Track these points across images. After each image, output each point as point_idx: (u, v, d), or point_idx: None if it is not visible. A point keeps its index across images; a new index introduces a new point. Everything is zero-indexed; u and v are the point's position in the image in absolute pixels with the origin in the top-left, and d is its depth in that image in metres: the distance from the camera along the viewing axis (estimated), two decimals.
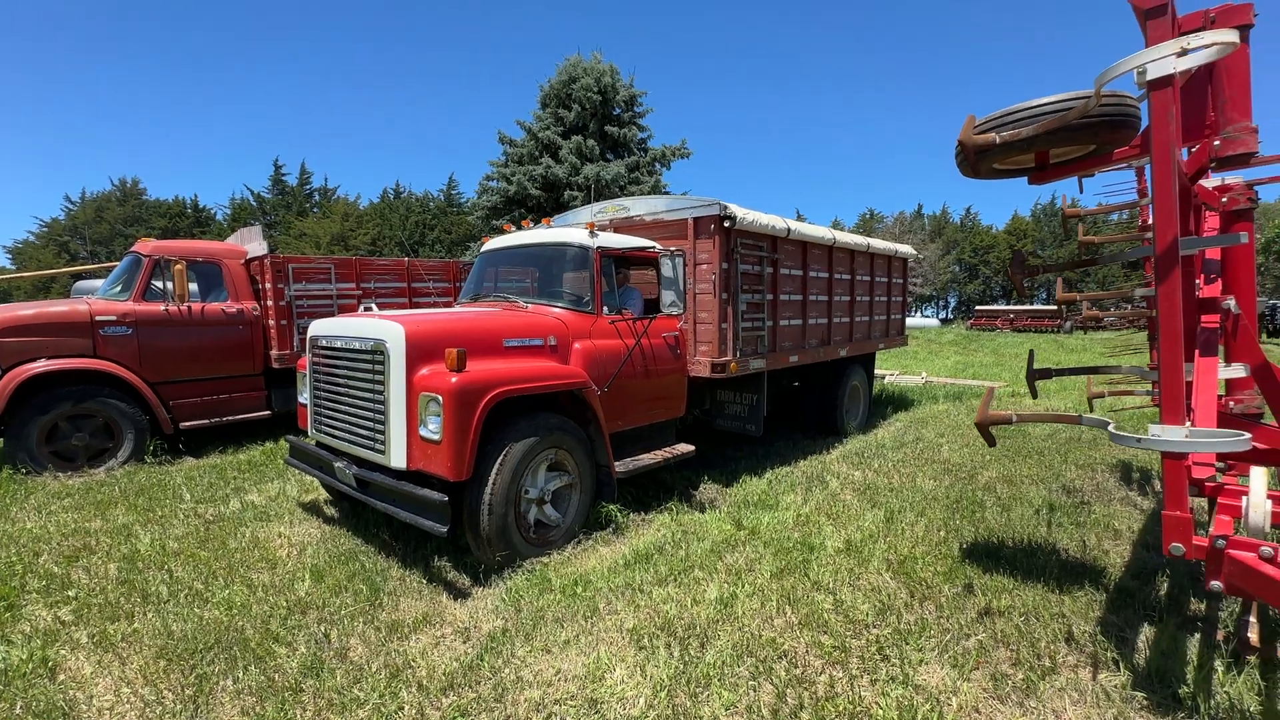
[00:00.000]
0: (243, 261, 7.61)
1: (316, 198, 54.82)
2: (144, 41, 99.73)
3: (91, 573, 3.93)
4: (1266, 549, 2.39)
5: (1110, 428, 2.69)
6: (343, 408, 4.29)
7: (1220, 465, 3.78)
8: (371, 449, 4.01)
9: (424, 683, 2.79)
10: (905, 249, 9.16)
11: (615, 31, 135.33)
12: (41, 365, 5.98)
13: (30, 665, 2.92)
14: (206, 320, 7.09)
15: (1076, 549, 4.22)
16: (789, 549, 4.18)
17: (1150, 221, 3.52)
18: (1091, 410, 5.56)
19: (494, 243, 5.71)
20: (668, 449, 5.21)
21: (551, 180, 20.99)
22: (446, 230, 48.84)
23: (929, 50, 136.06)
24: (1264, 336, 27.45)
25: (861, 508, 5.05)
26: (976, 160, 3.11)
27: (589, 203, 6.51)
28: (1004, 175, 3.45)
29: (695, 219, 5.48)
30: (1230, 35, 2.24)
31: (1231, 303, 3.41)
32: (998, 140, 2.92)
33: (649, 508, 5.11)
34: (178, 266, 6.75)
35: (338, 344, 4.30)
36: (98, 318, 6.38)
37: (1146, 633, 3.15)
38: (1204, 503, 4.36)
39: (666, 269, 4.75)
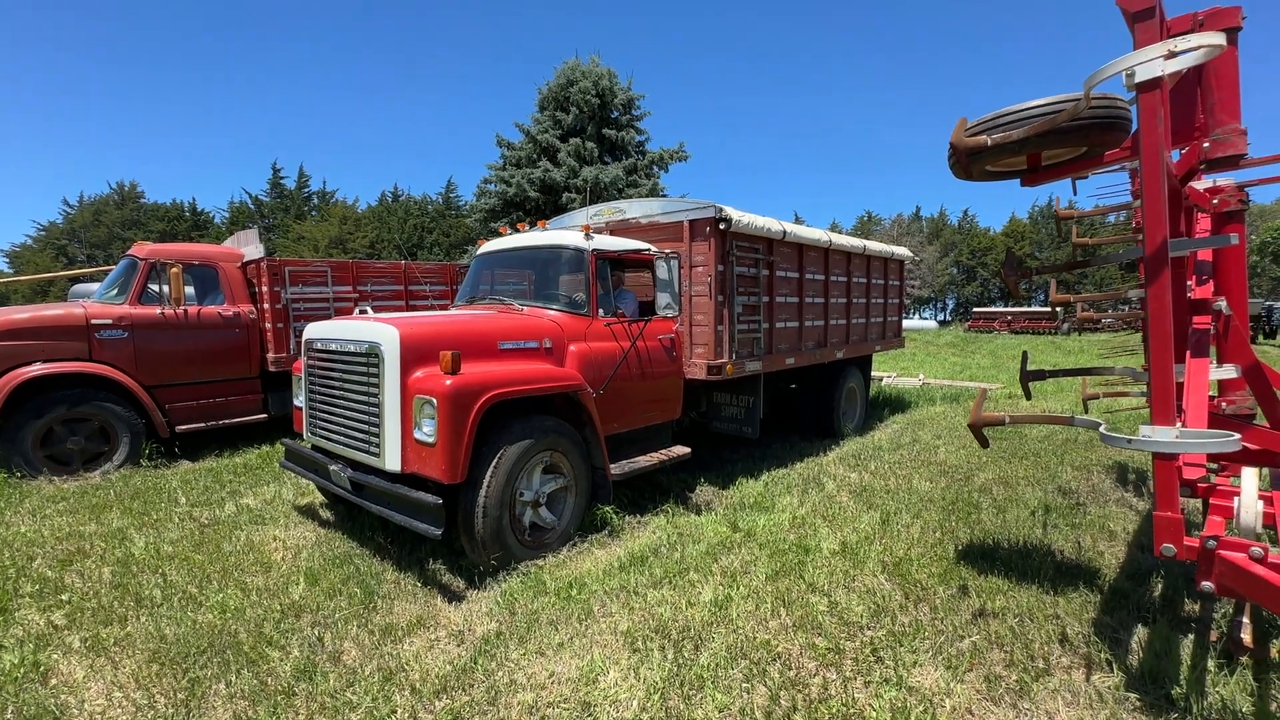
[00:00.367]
0: (239, 265, 7.61)
1: (315, 201, 54.85)
2: (142, 45, 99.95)
3: (85, 577, 3.92)
4: (1257, 549, 2.39)
5: (1101, 429, 2.70)
6: (338, 411, 4.29)
7: (1213, 466, 3.79)
8: (366, 452, 4.01)
9: (417, 686, 2.79)
10: (902, 251, 9.18)
11: (613, 35, 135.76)
12: (37, 369, 5.97)
13: (22, 670, 2.91)
14: (203, 323, 7.08)
15: (1071, 550, 4.23)
16: (784, 551, 4.18)
17: (1143, 223, 3.53)
18: (1087, 412, 5.57)
19: (490, 245, 5.72)
20: (664, 451, 5.21)
21: (550, 183, 21.01)
22: (445, 233, 48.88)
23: (926, 54, 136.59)
24: (1259, 338, 27.52)
25: (857, 510, 5.06)
26: (968, 162, 3.13)
27: (587, 205, 6.51)
28: (996, 177, 3.47)
29: (691, 221, 5.49)
30: (1218, 38, 2.25)
31: (1223, 304, 3.43)
32: (989, 143, 2.93)
33: (645, 510, 5.11)
34: (174, 270, 6.75)
35: (333, 347, 4.30)
36: (93, 321, 6.37)
37: (1140, 634, 3.15)
38: (1200, 504, 4.36)
39: (662, 271, 4.76)
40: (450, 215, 51.84)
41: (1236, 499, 2.88)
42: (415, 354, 3.86)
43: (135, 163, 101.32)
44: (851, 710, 2.63)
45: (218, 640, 3.14)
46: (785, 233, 6.21)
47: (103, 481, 5.97)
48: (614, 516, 4.64)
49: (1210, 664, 2.84)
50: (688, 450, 5.34)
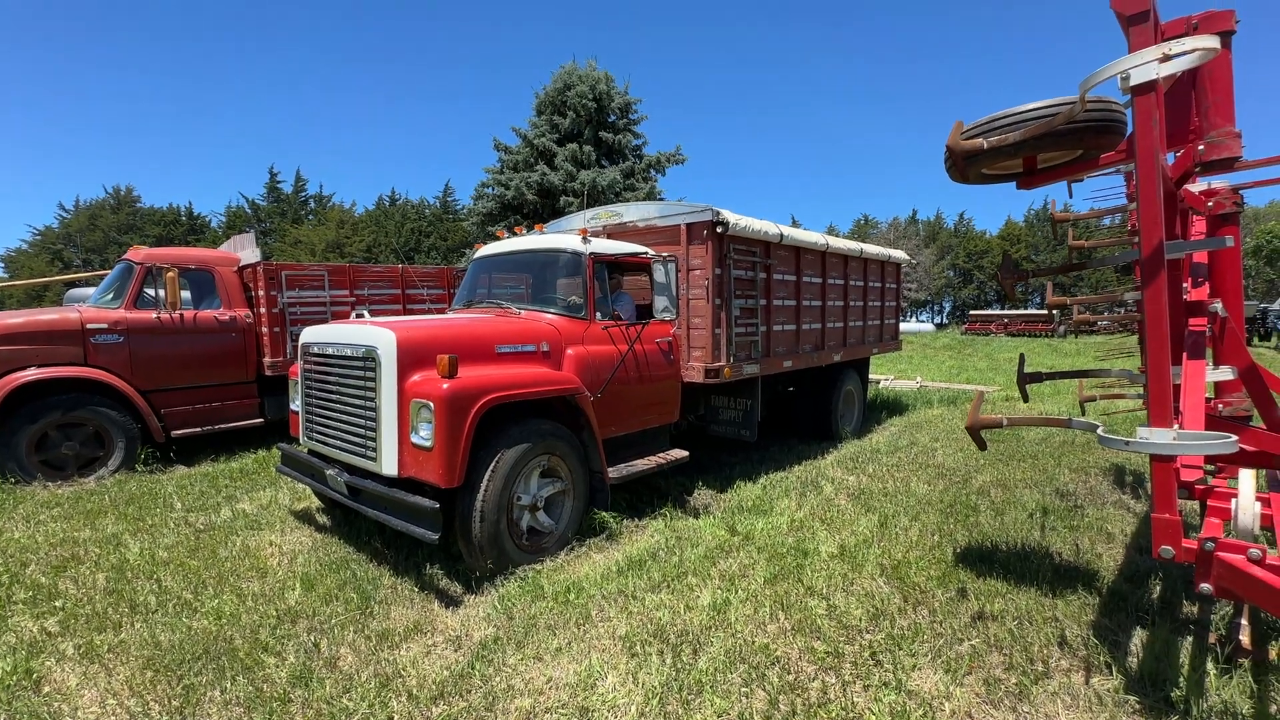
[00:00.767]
0: (236, 269, 7.59)
1: (311, 205, 54.78)
2: (140, 49, 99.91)
3: (79, 583, 3.89)
4: (1255, 551, 2.39)
5: (1099, 431, 2.70)
6: (334, 415, 4.27)
7: (1210, 468, 3.80)
8: (363, 456, 3.99)
9: (414, 692, 2.77)
10: (899, 254, 9.20)
11: (610, 39, 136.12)
12: (31, 374, 5.94)
13: (14, 677, 2.88)
14: (199, 328, 7.06)
15: (1070, 552, 4.22)
16: (783, 554, 4.17)
17: (1138, 225, 3.55)
18: (1084, 414, 5.58)
19: (487, 249, 5.72)
20: (662, 455, 5.20)
21: (547, 186, 21.05)
22: (442, 237, 48.86)
23: (923, 57, 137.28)
24: (1254, 340, 27.62)
25: (856, 513, 5.05)
26: (965, 165, 3.13)
27: (584, 208, 6.52)
28: (992, 180, 3.47)
29: (688, 225, 5.49)
30: (1212, 41, 2.26)
31: (1219, 306, 3.44)
32: (985, 145, 2.94)
33: (643, 514, 5.10)
34: (170, 274, 6.73)
35: (329, 351, 4.28)
36: (89, 326, 6.35)
37: (1139, 636, 3.15)
38: (1197, 506, 4.37)
39: (659, 275, 4.75)
40: (447, 219, 51.84)
41: (1234, 501, 2.88)
42: (412, 358, 3.85)
43: (131, 167, 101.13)
44: (851, 714, 2.62)
45: (213, 646, 3.12)
46: (782, 236, 6.22)
47: (97, 487, 5.94)
48: (612, 520, 4.63)
49: (1210, 666, 2.83)
50: (686, 453, 5.33)
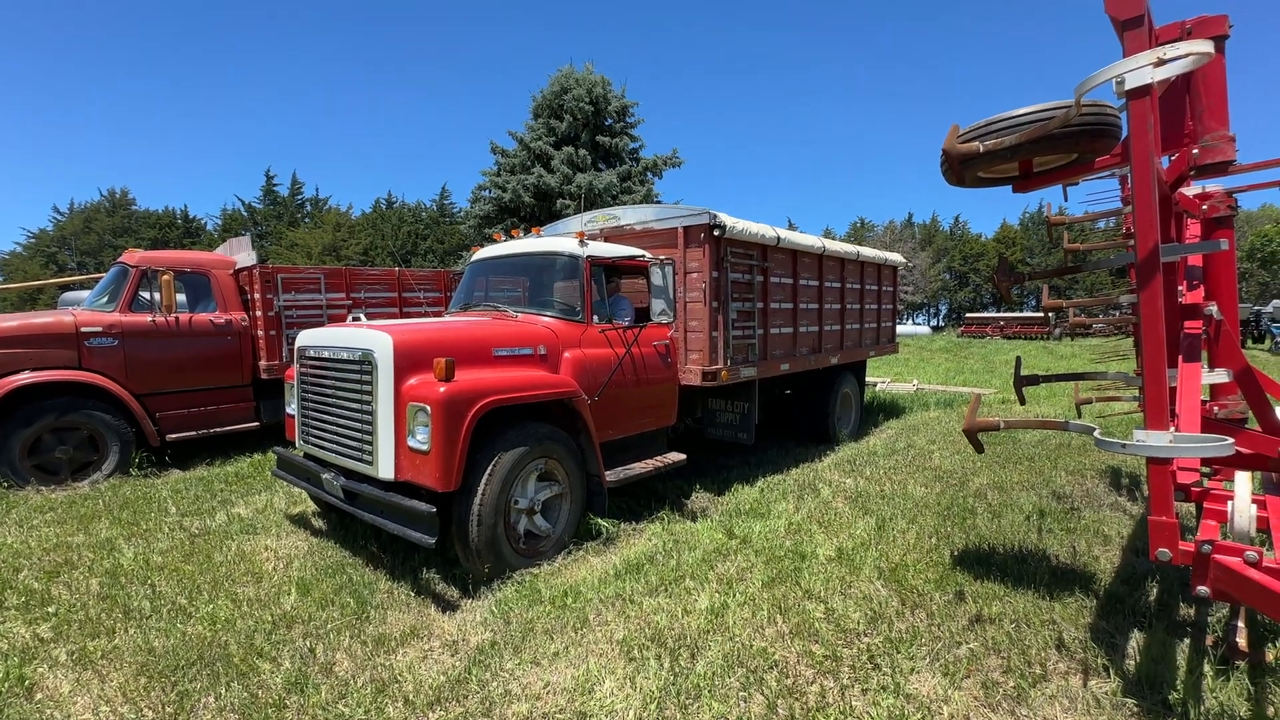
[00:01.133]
0: (231, 272, 7.57)
1: (308, 208, 54.64)
2: (135, 51, 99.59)
3: (72, 588, 3.86)
4: (1252, 554, 2.40)
5: (1096, 433, 2.70)
6: (330, 418, 4.25)
7: (1205, 470, 3.81)
8: (359, 460, 3.98)
9: (410, 697, 2.75)
10: (895, 257, 9.23)
11: (607, 43, 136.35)
12: (25, 377, 5.90)
13: (6, 684, 2.85)
14: (194, 331, 7.03)
15: (1067, 555, 4.23)
16: (780, 557, 4.16)
17: (1133, 229, 3.56)
18: (1079, 416, 5.59)
19: (484, 252, 5.71)
20: (659, 458, 5.20)
21: (544, 189, 21.06)
22: (439, 240, 48.82)
23: (919, 61, 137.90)
24: (1248, 342, 27.77)
25: (853, 515, 5.05)
26: (961, 169, 3.14)
27: (582, 211, 6.52)
28: (988, 184, 3.48)
29: (685, 228, 5.50)
30: (1206, 46, 2.27)
31: (1214, 309, 3.45)
32: (981, 149, 2.95)
33: (640, 517, 5.09)
34: (165, 277, 6.70)
35: (325, 354, 4.27)
36: (83, 329, 6.31)
37: (1136, 639, 3.15)
38: (1193, 508, 4.38)
39: (657, 278, 4.75)
40: (444, 222, 51.80)
41: (1230, 503, 2.89)
42: (409, 361, 3.84)
43: (126, 170, 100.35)
44: (849, 718, 2.61)
45: (207, 652, 3.10)
46: (779, 239, 6.23)
47: (91, 491, 5.90)
48: (607, 525, 4.62)
49: (1207, 669, 2.83)
50: (683, 457, 5.33)
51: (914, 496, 5.56)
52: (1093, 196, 4.84)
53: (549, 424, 4.29)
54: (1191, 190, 3.62)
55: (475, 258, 5.75)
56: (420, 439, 3.63)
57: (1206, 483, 3.47)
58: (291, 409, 4.77)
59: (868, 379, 11.10)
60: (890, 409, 10.62)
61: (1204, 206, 3.49)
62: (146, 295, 6.82)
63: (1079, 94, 2.52)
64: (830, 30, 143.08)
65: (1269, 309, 27.38)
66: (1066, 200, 4.76)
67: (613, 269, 5.24)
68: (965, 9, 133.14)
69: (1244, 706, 2.62)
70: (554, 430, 4.26)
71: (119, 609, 3.57)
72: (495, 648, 3.13)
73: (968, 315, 43.69)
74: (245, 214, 52.24)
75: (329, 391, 4.26)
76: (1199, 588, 2.51)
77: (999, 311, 44.55)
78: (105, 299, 6.83)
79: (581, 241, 4.96)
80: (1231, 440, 2.34)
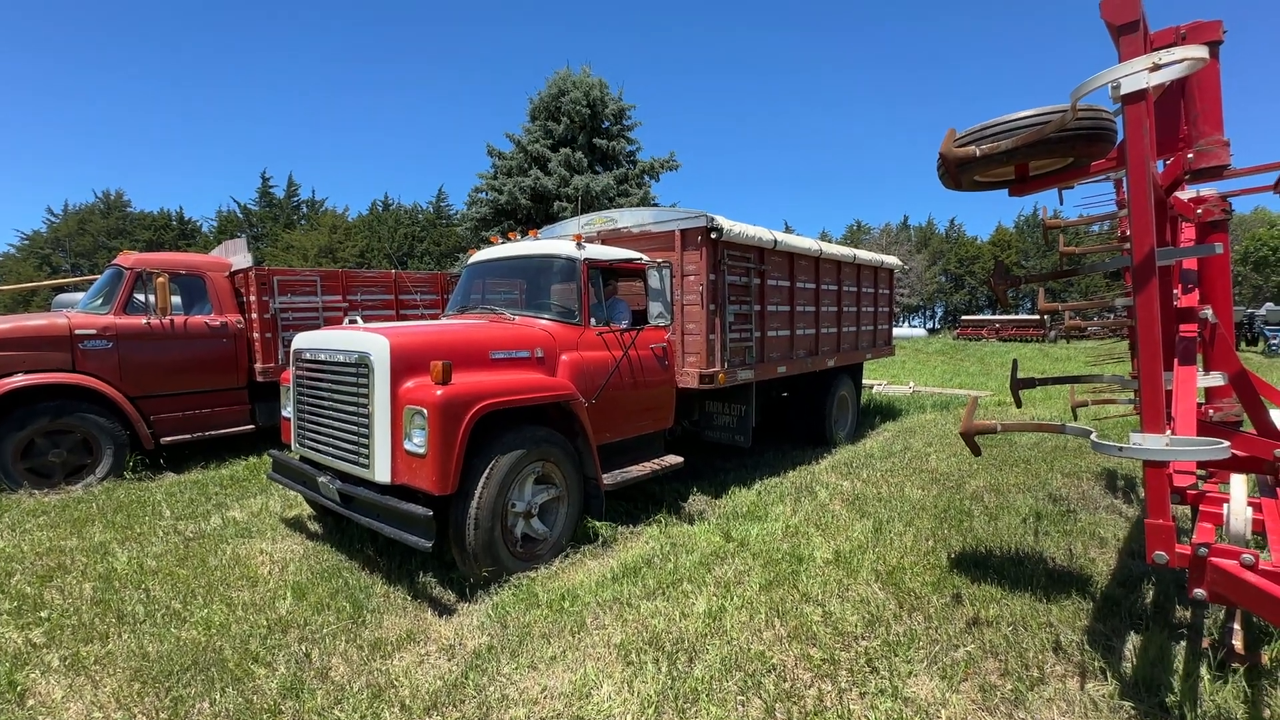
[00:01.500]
0: (227, 274, 7.54)
1: (304, 210, 54.52)
2: (130, 52, 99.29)
3: (65, 593, 3.83)
4: (1248, 556, 2.40)
5: (1092, 437, 2.71)
6: (326, 421, 4.24)
7: (1201, 473, 3.82)
8: (355, 463, 3.96)
9: (407, 702, 2.74)
10: (891, 260, 9.25)
11: (604, 45, 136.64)
12: (18, 380, 5.86)
13: None
14: (189, 333, 7.00)
15: (1063, 557, 4.24)
16: (778, 560, 4.16)
17: (1128, 232, 3.58)
18: (1075, 419, 5.61)
19: (481, 255, 5.71)
20: (656, 461, 5.19)
21: (541, 191, 21.06)
22: (435, 242, 48.75)
23: (916, 64, 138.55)
24: (1242, 345, 27.94)
25: (850, 518, 5.05)
26: (958, 173, 3.15)
27: (579, 214, 6.52)
28: (985, 187, 3.50)
29: (682, 231, 5.50)
30: (1200, 51, 2.29)
31: (1209, 312, 3.47)
32: (978, 153, 2.96)
33: (637, 520, 5.08)
34: (160, 279, 6.68)
35: (321, 357, 4.25)
36: (77, 331, 6.28)
37: (1133, 641, 3.16)
38: (1188, 510, 4.39)
39: (654, 280, 4.75)
40: (441, 224, 51.74)
41: (1226, 506, 2.90)
42: (406, 364, 3.83)
43: (121, 171, 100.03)
44: None
45: (202, 657, 3.08)
46: (776, 242, 6.23)
47: (85, 495, 5.86)
48: (605, 529, 4.61)
49: (1203, 671, 2.84)
50: (680, 459, 5.32)
51: (911, 499, 5.57)
52: (1088, 200, 4.86)
53: (546, 427, 4.28)
54: (1186, 194, 3.64)
55: (472, 260, 5.74)
56: (417, 442, 3.62)
57: (1202, 485, 3.48)
58: (287, 412, 4.74)
59: (864, 381, 11.12)
60: (887, 411, 10.64)
61: (1199, 210, 3.52)
62: (141, 298, 6.79)
63: (1075, 98, 2.53)
64: (829, 31, 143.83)
65: (1262, 312, 27.57)
66: (1062, 204, 4.77)
67: (610, 272, 5.23)
68: (965, 9, 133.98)
69: (1241, 709, 2.63)
70: (551, 433, 4.25)
71: (112, 614, 3.55)
72: (492, 652, 3.11)
73: (964, 318, 43.85)
74: (241, 216, 52.09)
75: (325, 394, 4.24)
76: (1195, 590, 2.51)
77: (995, 314, 44.71)
78: (100, 301, 6.80)
79: (579, 244, 4.96)
80: (1227, 443, 2.35)
